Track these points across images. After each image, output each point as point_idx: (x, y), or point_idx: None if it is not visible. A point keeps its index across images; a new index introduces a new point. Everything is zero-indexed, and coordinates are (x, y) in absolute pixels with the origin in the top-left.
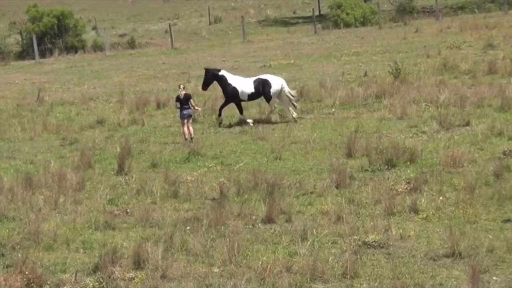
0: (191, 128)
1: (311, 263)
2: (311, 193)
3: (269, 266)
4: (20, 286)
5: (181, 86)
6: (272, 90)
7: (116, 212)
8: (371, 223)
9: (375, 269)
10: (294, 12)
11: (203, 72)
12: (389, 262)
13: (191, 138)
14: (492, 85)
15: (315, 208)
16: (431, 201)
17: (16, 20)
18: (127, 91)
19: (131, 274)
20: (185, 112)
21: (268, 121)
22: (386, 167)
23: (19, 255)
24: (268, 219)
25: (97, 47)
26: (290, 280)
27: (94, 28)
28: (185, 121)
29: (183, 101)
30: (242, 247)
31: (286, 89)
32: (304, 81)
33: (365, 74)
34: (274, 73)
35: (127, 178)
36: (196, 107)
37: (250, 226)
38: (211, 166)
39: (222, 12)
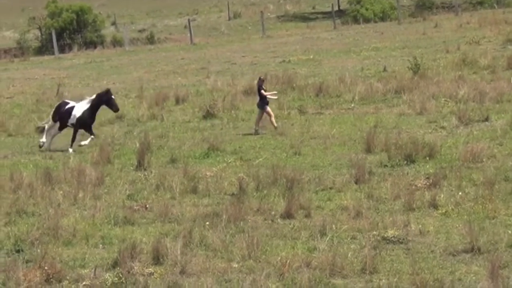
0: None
1: (330, 259)
2: (330, 188)
3: (288, 261)
4: (39, 281)
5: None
6: None
7: (135, 207)
8: (390, 219)
9: (394, 265)
10: (313, 8)
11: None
12: (408, 257)
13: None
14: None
15: (334, 203)
16: (450, 197)
17: (36, 15)
18: (146, 86)
19: (150, 269)
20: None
21: (287, 117)
22: (405, 162)
23: (38, 250)
24: (287, 215)
25: (116, 43)
26: (310, 275)
27: (114, 23)
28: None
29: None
30: (261, 242)
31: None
32: (324, 76)
33: (384, 70)
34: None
35: (146, 174)
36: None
37: (269, 222)
38: (230, 162)
39: (242, 7)
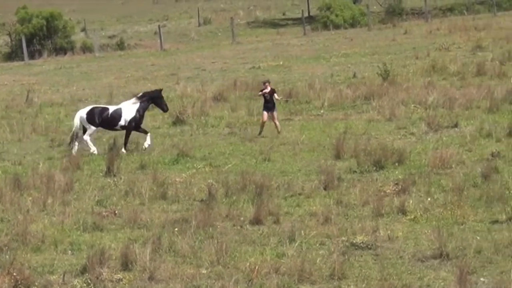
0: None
1: (299, 264)
2: (299, 194)
3: (257, 267)
4: (7, 287)
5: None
6: None
7: (104, 213)
8: (359, 225)
9: (363, 270)
10: (284, 14)
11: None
12: (377, 263)
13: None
14: (480, 87)
15: (303, 209)
16: (419, 202)
17: (5, 21)
18: (116, 92)
19: (119, 275)
20: (269, 105)
21: (257, 123)
22: (374, 168)
23: (7, 256)
24: (256, 221)
25: (86, 49)
26: (278, 281)
27: (84, 29)
28: (270, 114)
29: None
30: (230, 248)
31: None
32: (293, 83)
33: (354, 76)
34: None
35: (115, 180)
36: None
37: (238, 228)
38: (199, 168)
39: (212, 13)
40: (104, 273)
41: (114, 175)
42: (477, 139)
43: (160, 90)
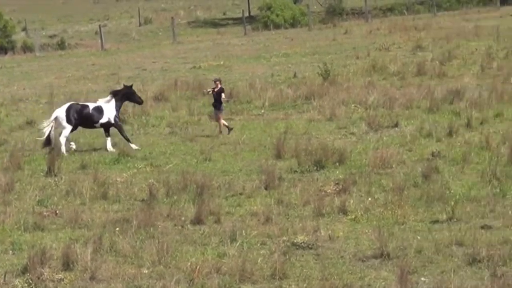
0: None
1: (240, 264)
2: (240, 194)
3: (198, 267)
4: None
5: (219, 79)
6: None
7: (45, 213)
8: (300, 224)
9: (304, 270)
10: (224, 14)
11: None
12: (318, 263)
13: (228, 130)
14: (420, 87)
15: (244, 209)
16: (359, 202)
17: None
18: (57, 92)
19: (60, 275)
20: (215, 103)
21: (197, 123)
22: (315, 168)
23: None
24: (197, 220)
25: (27, 48)
26: (219, 281)
27: (24, 29)
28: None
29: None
30: (171, 248)
31: None
32: (234, 82)
33: (295, 76)
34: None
35: (56, 180)
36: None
37: (179, 227)
38: (140, 168)
39: (152, 13)
40: (45, 273)
41: (55, 175)
42: (417, 139)
43: (131, 86)
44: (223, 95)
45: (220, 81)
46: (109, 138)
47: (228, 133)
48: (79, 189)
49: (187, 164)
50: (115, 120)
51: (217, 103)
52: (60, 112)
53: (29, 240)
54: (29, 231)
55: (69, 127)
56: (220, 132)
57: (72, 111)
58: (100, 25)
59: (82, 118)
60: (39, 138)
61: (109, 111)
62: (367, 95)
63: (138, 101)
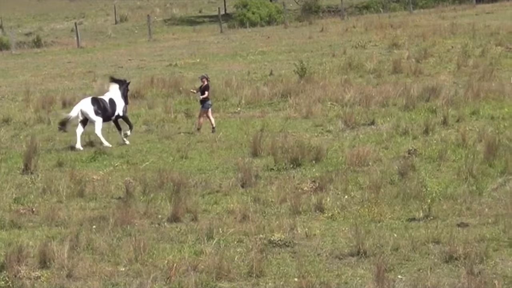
0: (201, 119)
1: (217, 262)
2: (217, 192)
3: (175, 265)
4: None
5: (207, 76)
6: None
7: (22, 211)
8: (277, 222)
9: (281, 268)
10: (200, 11)
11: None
12: (295, 260)
13: (213, 128)
14: (397, 84)
15: (221, 207)
16: (336, 200)
17: None
18: (33, 90)
19: (37, 273)
20: (210, 102)
21: (174, 121)
22: (291, 166)
23: None
24: (174, 218)
25: (3, 46)
26: (196, 279)
27: (0, 26)
28: (210, 111)
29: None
30: (148, 246)
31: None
32: (210, 80)
33: (271, 73)
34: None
35: (33, 177)
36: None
37: (156, 225)
38: (117, 165)
39: (128, 11)
40: (22, 271)
41: (32, 173)
42: (393, 136)
43: (128, 82)
44: (206, 92)
45: (206, 78)
46: (121, 130)
47: (212, 132)
48: (55, 187)
49: (163, 162)
50: (123, 110)
51: (202, 100)
52: (86, 106)
53: (6, 238)
54: (6, 229)
55: (99, 119)
56: (198, 129)
57: (96, 103)
58: (76, 23)
59: (103, 111)
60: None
61: (120, 102)
62: (343, 93)
63: (126, 100)
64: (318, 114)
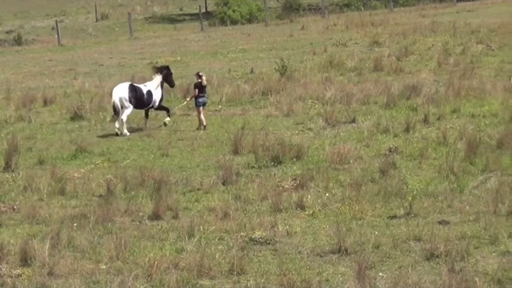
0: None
1: (198, 260)
2: (198, 189)
3: (156, 262)
4: None
5: (201, 74)
6: None
7: (2, 209)
8: (258, 220)
9: (262, 265)
10: (181, 9)
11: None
12: (276, 258)
13: (204, 126)
14: (378, 82)
15: (202, 204)
16: (317, 198)
17: None
18: (14, 88)
19: (18, 271)
20: (200, 100)
21: (155, 118)
22: (272, 163)
23: None
24: (155, 216)
25: None
26: (177, 276)
27: None
28: (201, 108)
29: (202, 89)
30: (129, 243)
31: None
32: (191, 78)
33: (252, 71)
34: None
35: (14, 175)
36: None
37: (137, 223)
38: (98, 163)
39: (109, 9)
40: (3, 269)
41: (13, 171)
42: (374, 134)
43: (168, 66)
44: (196, 90)
45: (198, 75)
46: (148, 119)
47: (197, 129)
48: (36, 185)
49: (144, 159)
50: (159, 102)
51: (195, 98)
52: (122, 91)
53: None
54: None
55: (130, 107)
56: (204, 127)
57: (133, 90)
58: (56, 20)
59: (138, 100)
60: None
61: (157, 95)
62: (324, 90)
63: (172, 83)
64: (299, 112)
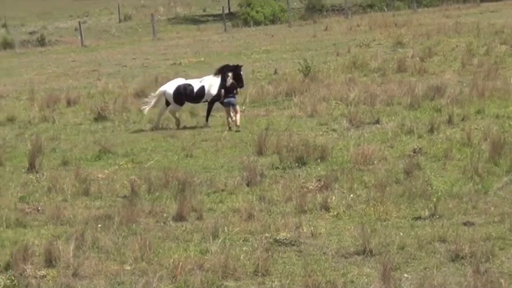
0: (237, 115)
1: (223, 261)
2: (222, 190)
3: (180, 263)
4: None
5: (229, 74)
6: None
7: (27, 209)
8: (282, 221)
9: (287, 267)
10: (204, 10)
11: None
12: (301, 259)
13: (238, 126)
14: (401, 83)
15: (226, 205)
16: (342, 199)
17: None
18: (38, 88)
19: (42, 271)
20: (226, 100)
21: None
22: (296, 164)
23: None
24: (179, 217)
25: (7, 45)
26: (202, 277)
27: (4, 25)
28: (229, 109)
29: (230, 90)
30: (154, 244)
31: None
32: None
33: (275, 72)
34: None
35: (38, 176)
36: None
37: (162, 224)
38: (122, 164)
39: (132, 9)
40: (28, 270)
41: (37, 172)
42: (398, 135)
43: (237, 65)
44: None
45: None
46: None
47: (228, 129)
48: (60, 186)
49: (168, 160)
50: (211, 99)
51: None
52: (170, 88)
53: (11, 237)
54: (11, 227)
55: (177, 107)
56: (231, 128)
57: (180, 90)
58: (79, 21)
59: (187, 96)
60: (142, 107)
61: (213, 90)
62: (348, 91)
63: (240, 84)
64: (323, 113)
